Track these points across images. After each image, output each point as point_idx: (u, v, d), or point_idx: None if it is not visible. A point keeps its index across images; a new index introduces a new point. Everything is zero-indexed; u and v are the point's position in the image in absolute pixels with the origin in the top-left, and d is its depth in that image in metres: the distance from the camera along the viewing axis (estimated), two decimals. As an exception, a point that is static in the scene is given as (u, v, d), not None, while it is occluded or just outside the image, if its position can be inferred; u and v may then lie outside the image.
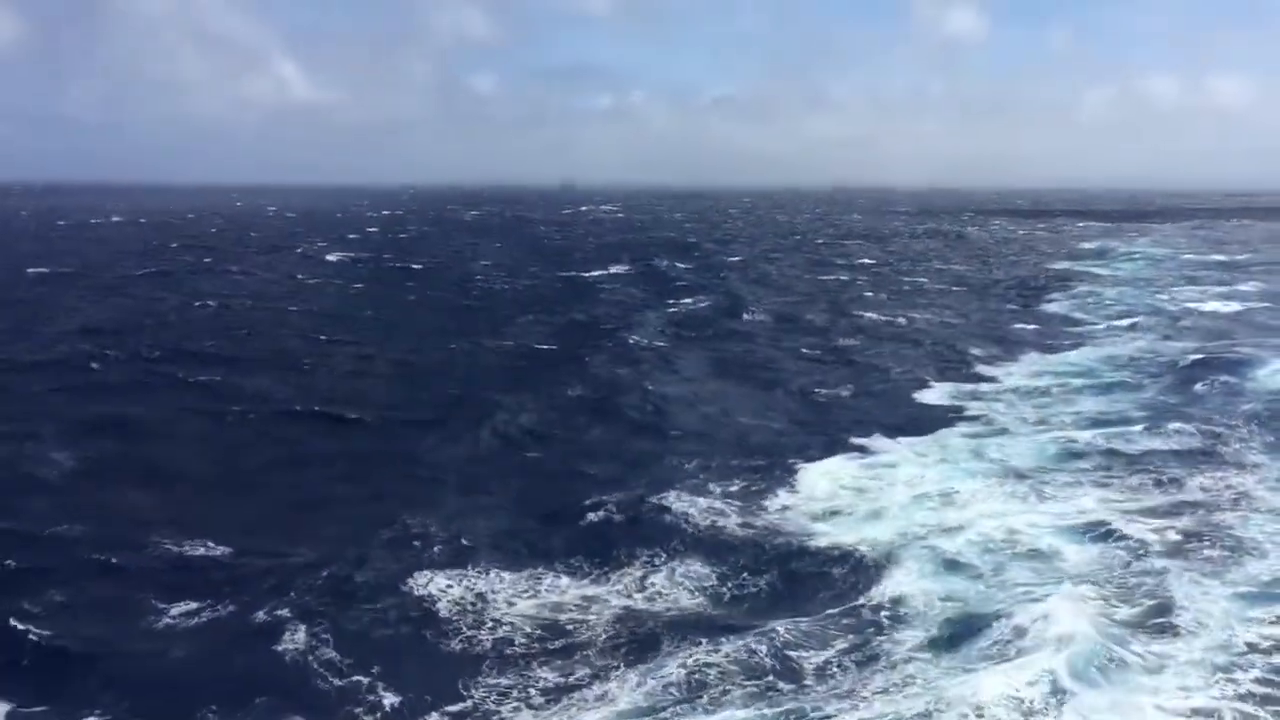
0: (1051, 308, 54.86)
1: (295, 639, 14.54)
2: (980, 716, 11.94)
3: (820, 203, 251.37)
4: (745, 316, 49.12)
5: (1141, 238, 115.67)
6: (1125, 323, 47.80)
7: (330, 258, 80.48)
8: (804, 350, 40.16)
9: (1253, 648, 13.69)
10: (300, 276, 65.33)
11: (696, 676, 13.47)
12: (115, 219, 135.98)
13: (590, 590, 16.67)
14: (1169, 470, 22.59)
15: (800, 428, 27.83)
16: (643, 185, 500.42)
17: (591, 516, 19.63)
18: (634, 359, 37.06)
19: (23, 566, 16.96)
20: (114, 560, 17.46)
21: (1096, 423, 27.52)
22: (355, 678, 13.68)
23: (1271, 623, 14.44)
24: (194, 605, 15.75)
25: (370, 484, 22.29)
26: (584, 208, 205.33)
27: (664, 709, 12.85)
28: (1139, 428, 26.59)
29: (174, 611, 15.62)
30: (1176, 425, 26.59)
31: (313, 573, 16.82)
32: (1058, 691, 12.41)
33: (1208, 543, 17.86)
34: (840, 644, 14.61)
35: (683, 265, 76.01)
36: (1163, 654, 13.55)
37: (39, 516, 19.37)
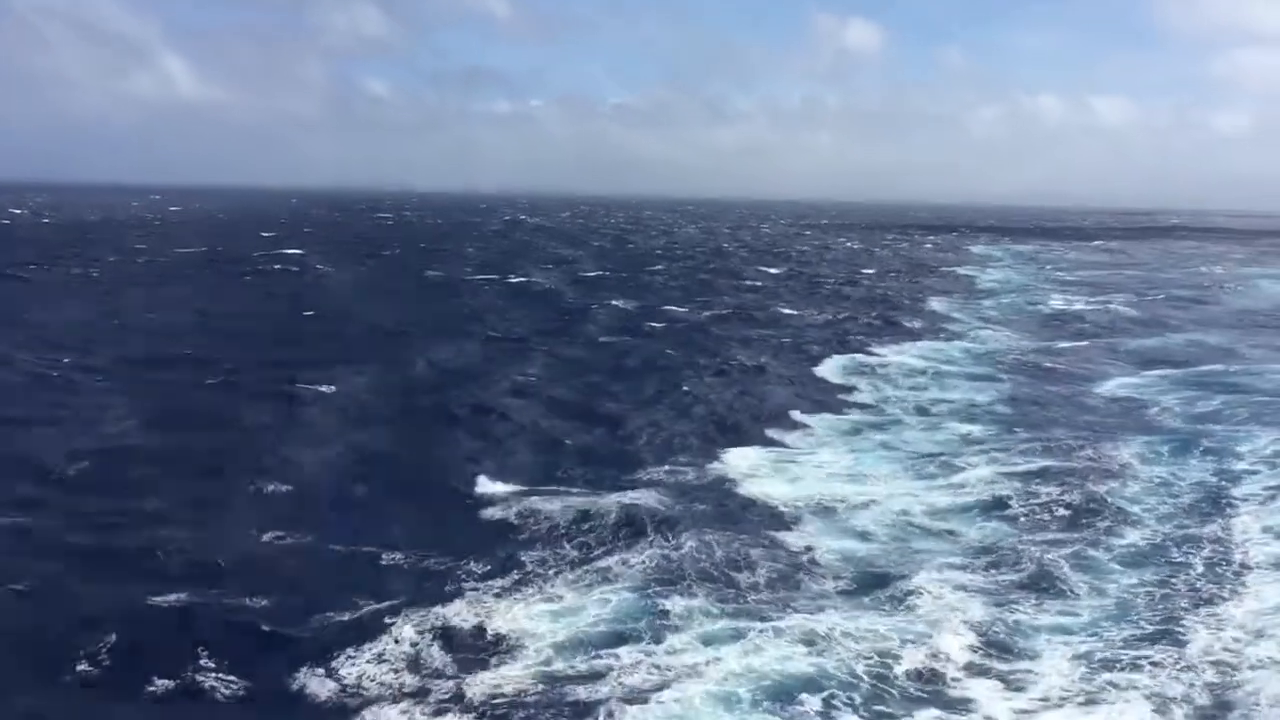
0: (938, 307, 59.34)
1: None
2: (868, 646, 14.22)
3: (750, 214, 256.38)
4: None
5: (1020, 249, 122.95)
6: (1000, 321, 52.91)
7: None
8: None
9: (1128, 606, 15.93)
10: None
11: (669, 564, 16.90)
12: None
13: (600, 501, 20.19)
14: (1041, 449, 25.57)
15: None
16: (546, 192, 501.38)
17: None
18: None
19: None
20: None
21: (974, 407, 31.05)
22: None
23: (1147, 583, 16.85)
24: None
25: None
26: (518, 216, 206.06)
27: (648, 586, 16.15)
28: (1011, 411, 30.38)
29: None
30: (1045, 411, 30.36)
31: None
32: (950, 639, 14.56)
33: (1086, 513, 20.47)
34: (769, 569, 17.25)
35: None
36: (1047, 615, 15.59)
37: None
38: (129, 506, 20.00)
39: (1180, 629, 15.12)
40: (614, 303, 55.74)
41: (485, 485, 22.00)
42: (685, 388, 32.30)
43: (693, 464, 24.12)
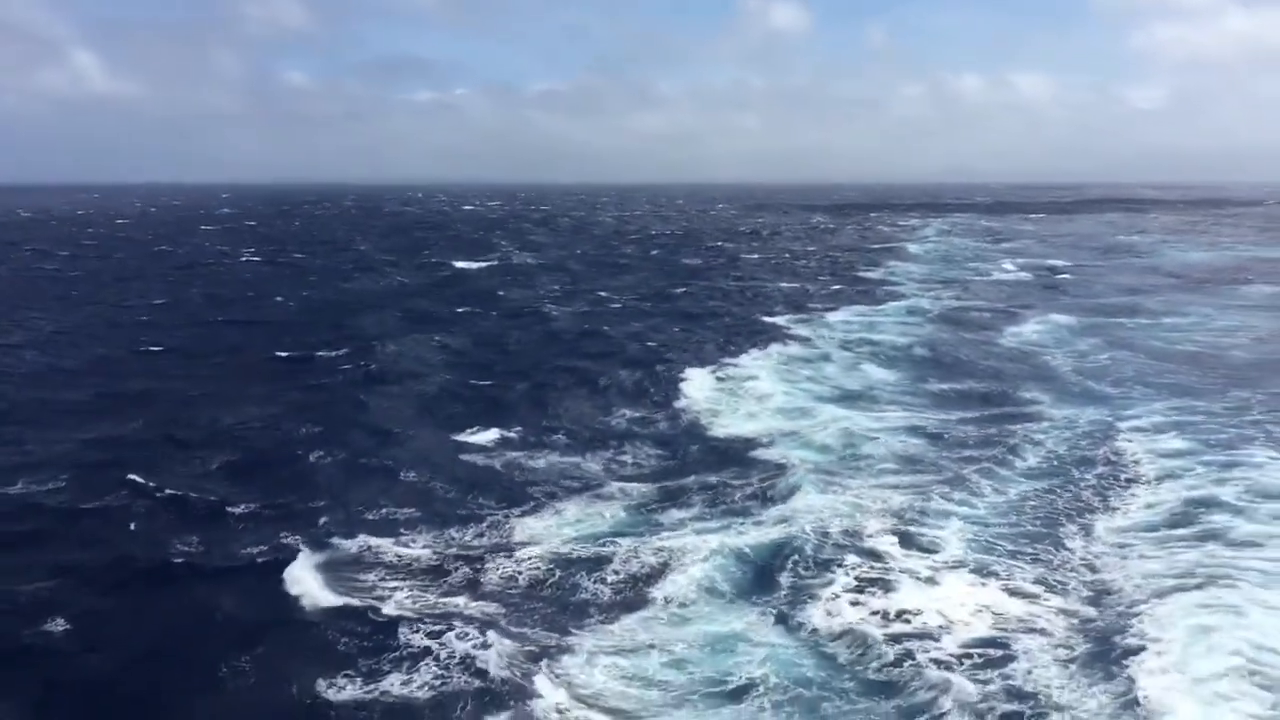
0: (868, 275, 64.50)
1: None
2: (816, 520, 18.72)
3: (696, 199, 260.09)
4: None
5: (946, 223, 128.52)
6: (922, 286, 58.00)
7: None
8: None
9: (1022, 509, 19.95)
10: None
11: (665, 489, 21.08)
12: None
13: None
14: (964, 389, 30.36)
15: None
16: (471, 182, 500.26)
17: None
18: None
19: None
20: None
21: (900, 353, 36.02)
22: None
23: (1038, 492, 20.79)
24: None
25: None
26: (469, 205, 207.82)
27: (645, 507, 20.10)
28: (926, 356, 35.25)
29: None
30: (964, 357, 34.90)
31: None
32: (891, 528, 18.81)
33: (995, 440, 24.56)
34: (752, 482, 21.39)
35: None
36: (954, 505, 19.89)
37: None
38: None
39: (1061, 524, 19.18)
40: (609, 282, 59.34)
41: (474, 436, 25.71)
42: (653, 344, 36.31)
43: (663, 406, 28.34)
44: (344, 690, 13.28)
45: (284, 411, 27.34)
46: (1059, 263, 73.68)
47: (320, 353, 35.61)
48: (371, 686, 13.34)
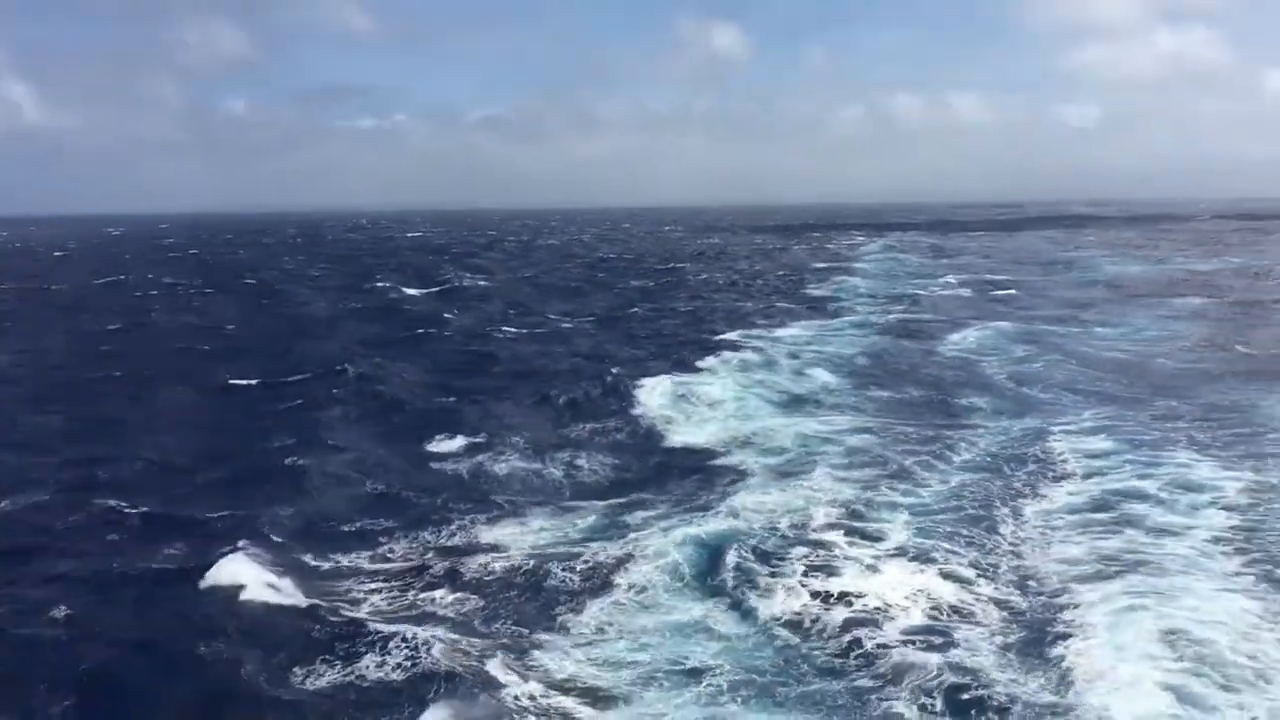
0: (815, 292, 66.28)
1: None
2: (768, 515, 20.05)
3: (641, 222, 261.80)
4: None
5: (887, 240, 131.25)
6: (868, 301, 60.14)
7: None
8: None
9: (962, 495, 21.62)
10: None
11: (624, 492, 22.51)
12: None
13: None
14: (905, 397, 31.98)
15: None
16: (412, 207, 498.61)
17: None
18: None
19: None
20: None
21: (847, 363, 37.62)
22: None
23: (974, 484, 22.33)
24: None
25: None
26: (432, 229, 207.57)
27: (606, 509, 21.28)
28: (872, 365, 36.90)
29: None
30: (906, 366, 36.50)
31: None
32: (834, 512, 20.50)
33: (930, 438, 26.32)
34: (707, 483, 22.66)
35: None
36: (898, 496, 21.47)
37: None
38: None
39: (995, 512, 20.62)
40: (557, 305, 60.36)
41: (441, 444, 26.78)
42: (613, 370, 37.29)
43: (619, 416, 29.63)
44: (317, 684, 14.08)
45: (252, 430, 28.04)
46: (1000, 277, 75.97)
47: (282, 377, 36.16)
48: (344, 684, 14.07)
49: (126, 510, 21.02)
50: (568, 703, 13.54)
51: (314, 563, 18.58)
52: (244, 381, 35.32)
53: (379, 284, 76.32)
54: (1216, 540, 18.59)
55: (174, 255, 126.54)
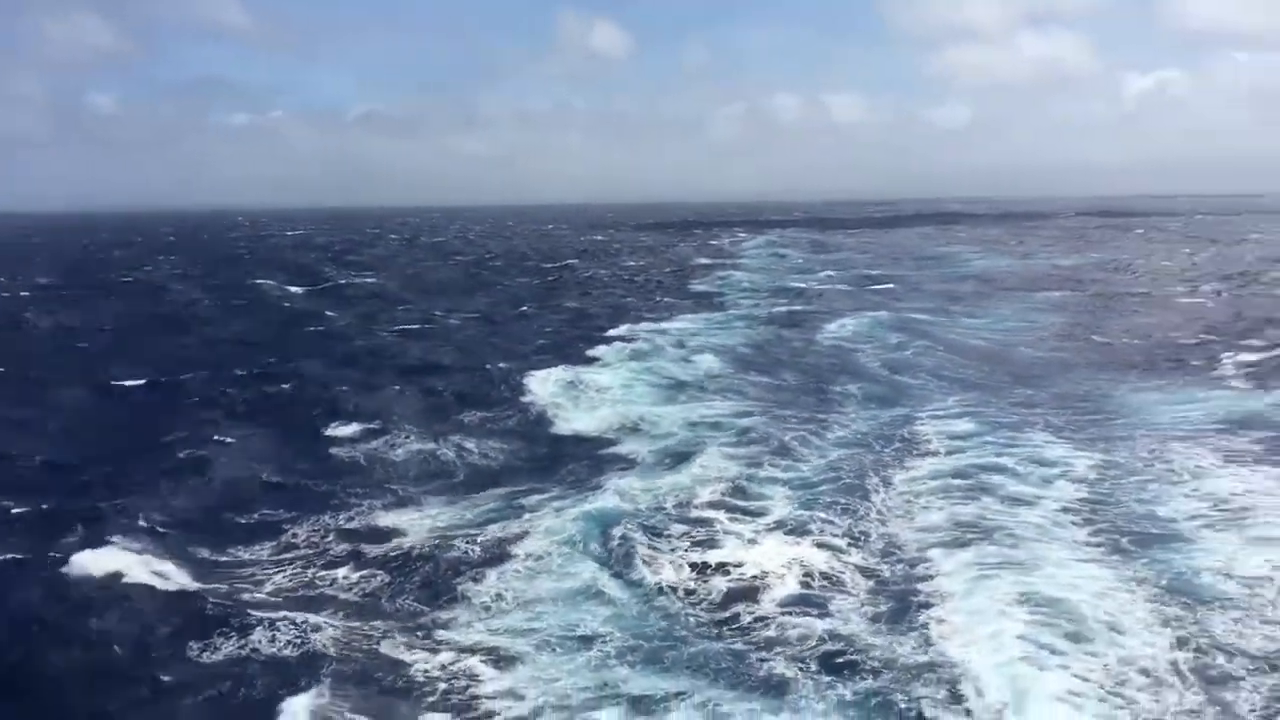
0: (700, 287, 67.91)
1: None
2: (654, 495, 21.18)
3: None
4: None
5: (768, 237, 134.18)
6: (751, 295, 62.14)
7: None
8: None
9: (838, 468, 23.14)
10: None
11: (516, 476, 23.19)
12: None
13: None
14: (784, 382, 33.59)
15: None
16: (290, 206, 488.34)
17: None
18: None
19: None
20: None
21: (730, 353, 38.96)
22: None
23: (845, 460, 23.85)
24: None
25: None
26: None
27: (499, 492, 22.16)
28: (755, 354, 38.44)
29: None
30: (785, 354, 38.16)
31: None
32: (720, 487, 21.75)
33: (808, 420, 27.85)
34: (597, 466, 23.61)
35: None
36: (779, 472, 22.85)
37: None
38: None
39: (867, 483, 22.11)
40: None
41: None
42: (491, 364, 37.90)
43: (509, 405, 30.39)
44: (205, 662, 14.50)
45: (141, 428, 27.96)
46: (876, 271, 78.86)
47: (167, 375, 35.77)
48: (233, 662, 14.45)
49: (12, 509, 20.91)
50: (467, 671, 14.23)
51: (206, 550, 18.81)
52: (130, 382, 34.81)
53: (260, 282, 75.24)
54: (1066, 510, 20.21)
55: (43, 254, 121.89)
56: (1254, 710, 12.78)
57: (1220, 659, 13.88)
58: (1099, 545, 18.26)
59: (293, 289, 70.95)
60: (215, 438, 26.76)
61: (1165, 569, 16.91)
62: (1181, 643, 14.27)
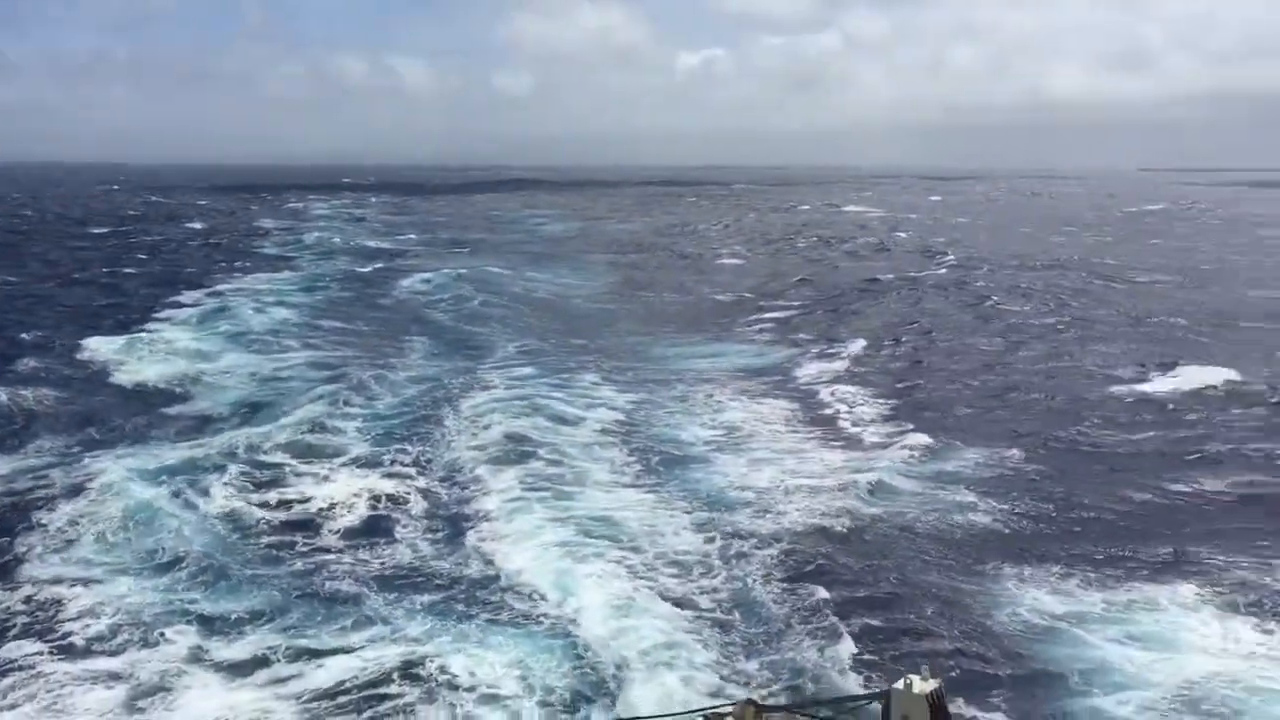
0: (270, 250, 67.04)
1: None
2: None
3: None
4: None
5: (339, 201, 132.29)
6: (325, 256, 62.94)
7: None
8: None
9: (410, 402, 25.29)
10: None
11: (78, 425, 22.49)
12: None
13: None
14: (359, 330, 35.53)
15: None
16: None
17: None
18: None
19: None
20: None
21: (305, 307, 40.34)
22: None
23: (420, 396, 25.97)
24: None
25: None
26: None
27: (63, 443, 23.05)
28: (330, 307, 39.66)
29: None
30: (359, 308, 39.95)
31: None
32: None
33: (383, 365, 29.18)
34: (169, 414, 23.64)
35: None
36: (357, 410, 24.06)
37: None
38: None
39: (438, 414, 24.44)
40: None
41: None
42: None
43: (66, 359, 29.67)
44: None
45: None
46: (450, 234, 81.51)
47: None
48: None
49: None
50: (50, 599, 14.63)
51: None
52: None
53: None
54: (605, 432, 23.43)
55: None
56: (762, 570, 15.87)
57: (738, 544, 16.88)
58: (635, 466, 21.17)
59: None
60: None
61: (690, 483, 20.08)
62: (709, 539, 17.10)
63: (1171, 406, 25.71)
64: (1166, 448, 22.38)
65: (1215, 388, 27.36)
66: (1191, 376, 28.37)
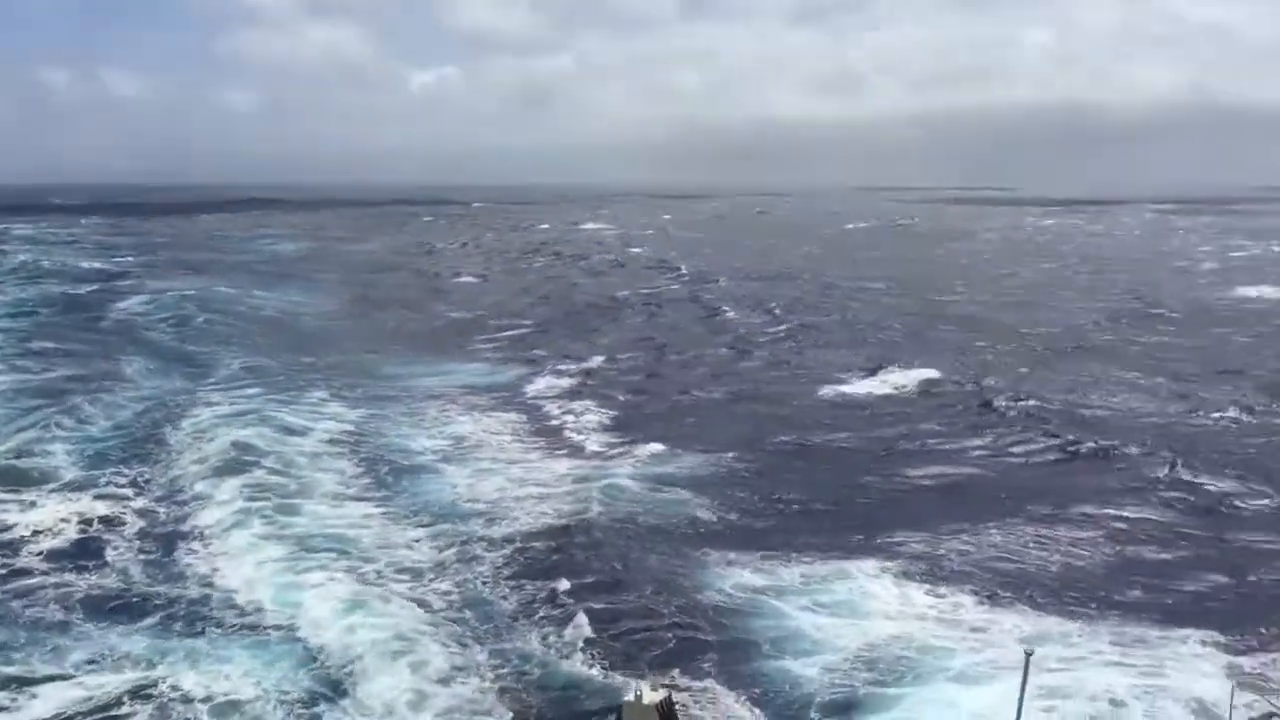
0: None
1: None
2: None
3: None
4: None
5: (43, 222, 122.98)
6: (25, 277, 58.21)
7: None
8: None
9: (126, 428, 24.23)
10: None
11: None
12: None
13: None
14: (65, 352, 33.42)
15: None
16: None
17: None
18: None
19: None
20: None
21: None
22: None
23: (139, 416, 25.18)
24: None
25: None
26: None
27: None
28: (34, 329, 38.00)
29: None
30: (67, 330, 38.08)
31: None
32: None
33: (96, 388, 27.89)
34: None
35: None
36: (71, 435, 23.07)
37: None
38: None
39: (158, 433, 23.85)
40: None
41: None
42: None
43: None
44: None
45: None
46: (175, 254, 77.33)
47: None
48: None
49: None
50: None
51: None
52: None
53: None
54: (334, 443, 23.61)
55: None
56: (493, 570, 16.58)
57: (474, 549, 17.48)
58: (364, 478, 21.31)
59: None
60: None
61: (419, 493, 20.44)
62: (442, 546, 17.53)
63: (868, 411, 28.20)
64: (865, 444, 24.65)
65: (909, 388, 30.29)
66: (891, 378, 31.32)
